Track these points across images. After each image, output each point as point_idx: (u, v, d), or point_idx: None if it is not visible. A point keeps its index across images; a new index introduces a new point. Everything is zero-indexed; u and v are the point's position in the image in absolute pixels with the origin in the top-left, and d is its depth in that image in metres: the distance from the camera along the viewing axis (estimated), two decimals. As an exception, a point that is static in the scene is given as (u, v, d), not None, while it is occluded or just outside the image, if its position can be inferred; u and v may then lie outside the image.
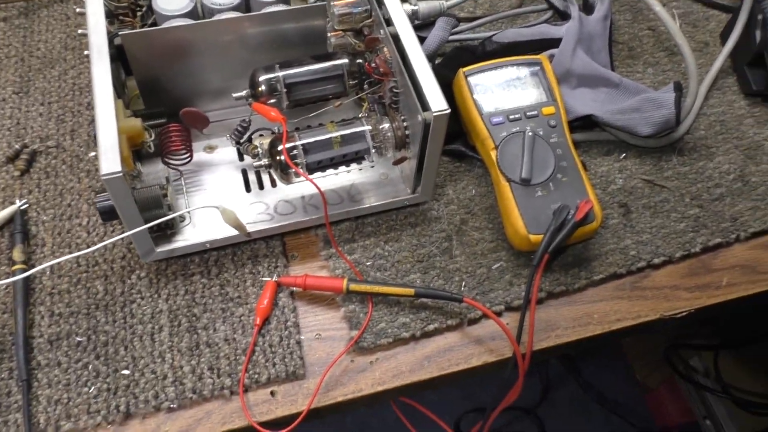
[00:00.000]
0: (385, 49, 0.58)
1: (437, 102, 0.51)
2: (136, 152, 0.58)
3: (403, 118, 0.57)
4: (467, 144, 0.65)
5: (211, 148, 0.64)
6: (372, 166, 0.62)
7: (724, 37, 0.77)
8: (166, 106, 0.61)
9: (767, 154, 0.68)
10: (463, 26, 0.74)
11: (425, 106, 0.52)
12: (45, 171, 0.63)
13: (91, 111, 0.68)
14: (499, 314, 0.57)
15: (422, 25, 0.69)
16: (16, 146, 0.64)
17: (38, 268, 0.53)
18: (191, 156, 0.59)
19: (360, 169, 0.62)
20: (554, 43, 0.67)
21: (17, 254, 0.57)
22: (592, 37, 0.69)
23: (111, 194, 0.48)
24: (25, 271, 0.56)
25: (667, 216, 0.63)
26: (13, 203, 0.61)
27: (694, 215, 0.64)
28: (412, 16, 0.66)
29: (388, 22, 0.57)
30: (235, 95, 0.59)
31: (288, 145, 0.56)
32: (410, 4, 0.66)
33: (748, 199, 0.65)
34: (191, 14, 0.63)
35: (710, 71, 0.73)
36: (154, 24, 0.64)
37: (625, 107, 0.65)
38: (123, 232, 0.59)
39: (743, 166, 0.67)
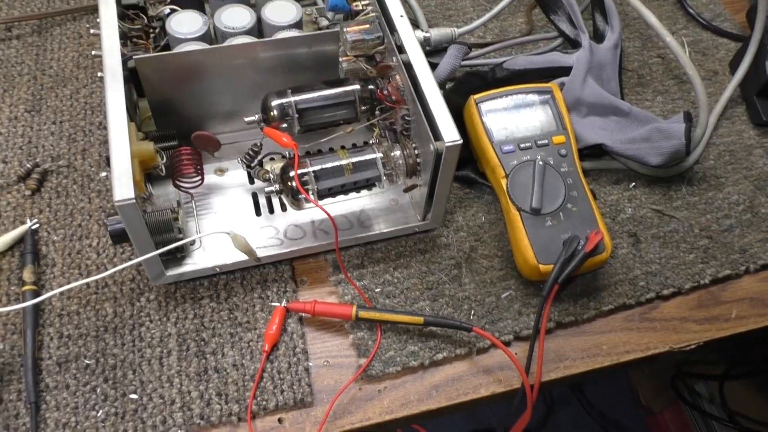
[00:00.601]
0: (398, 76, 0.58)
1: (450, 132, 0.52)
2: (147, 174, 0.58)
3: (414, 145, 0.57)
4: (477, 170, 0.66)
5: (221, 171, 0.64)
6: (382, 192, 0.62)
7: (734, 66, 0.77)
8: (177, 127, 0.62)
9: (776, 185, 0.68)
10: (473, 52, 0.75)
11: (437, 136, 0.52)
12: (56, 190, 0.64)
13: (103, 131, 0.68)
14: (507, 344, 0.57)
15: (433, 51, 0.69)
16: (28, 165, 0.64)
17: (48, 294, 0.53)
18: (202, 179, 0.60)
19: (370, 195, 0.62)
20: (565, 71, 0.67)
21: (27, 275, 0.57)
22: (603, 65, 0.69)
23: (123, 220, 0.48)
24: (35, 292, 0.57)
25: (676, 246, 0.63)
26: (24, 223, 0.61)
27: (703, 246, 0.64)
28: (424, 43, 0.66)
29: (401, 49, 0.57)
30: (246, 119, 0.59)
31: (299, 172, 0.56)
32: (422, 30, 0.66)
33: (758, 230, 0.65)
34: (204, 37, 0.63)
35: (720, 101, 0.73)
36: (167, 46, 0.65)
37: (634, 137, 0.65)
38: (133, 255, 0.59)
39: (753, 197, 0.67)
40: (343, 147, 0.62)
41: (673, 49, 0.67)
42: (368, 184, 0.58)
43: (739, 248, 0.64)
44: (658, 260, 0.62)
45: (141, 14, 0.65)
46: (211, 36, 0.66)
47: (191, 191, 0.61)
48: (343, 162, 0.57)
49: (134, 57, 0.57)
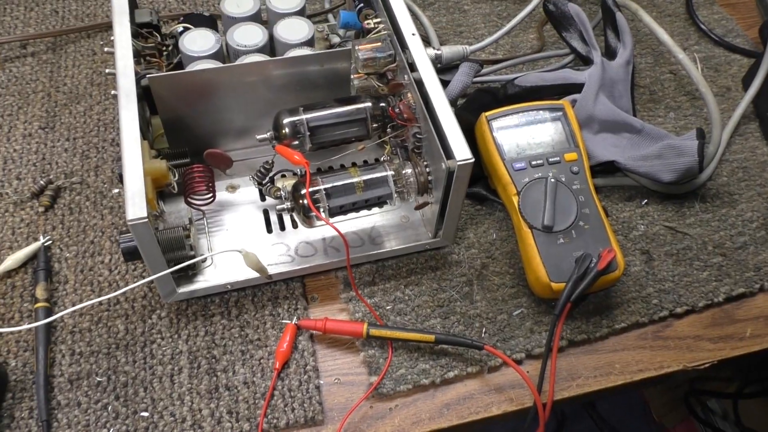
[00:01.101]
0: (409, 94, 0.58)
1: (461, 150, 0.52)
2: (159, 191, 0.58)
3: (425, 163, 0.57)
4: (488, 187, 0.66)
5: (233, 188, 0.64)
6: (393, 210, 0.62)
7: (746, 82, 0.77)
8: (189, 144, 0.62)
9: (791, 202, 0.68)
10: (485, 68, 0.75)
11: (449, 154, 0.52)
12: (69, 207, 0.64)
13: (116, 147, 0.69)
14: (519, 362, 0.57)
15: (445, 68, 0.69)
16: (41, 182, 0.65)
17: (60, 314, 0.53)
18: (214, 197, 0.60)
19: (381, 212, 0.62)
20: (576, 88, 0.67)
21: (40, 292, 0.57)
22: (615, 82, 0.69)
23: (136, 239, 0.49)
24: (48, 309, 0.57)
25: (689, 264, 0.63)
26: (37, 239, 0.61)
27: (717, 264, 0.63)
28: (436, 61, 0.66)
29: (412, 67, 0.58)
30: (258, 137, 0.59)
31: (311, 189, 0.56)
32: (433, 48, 0.66)
33: (772, 248, 0.64)
34: (217, 55, 0.64)
35: (732, 117, 0.73)
36: (180, 63, 0.65)
37: (647, 154, 0.65)
38: (145, 273, 0.60)
39: (767, 214, 0.67)
40: (354, 164, 0.62)
41: (686, 67, 0.67)
42: (380, 202, 0.58)
43: (753, 266, 0.63)
44: (671, 278, 0.62)
45: (154, 32, 0.65)
46: (224, 54, 0.66)
47: (203, 208, 0.61)
48: (355, 180, 0.57)
49: (147, 76, 0.57)
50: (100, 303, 0.58)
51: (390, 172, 0.58)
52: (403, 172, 0.58)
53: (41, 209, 0.64)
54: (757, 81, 0.73)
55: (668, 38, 0.68)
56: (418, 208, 0.59)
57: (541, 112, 0.64)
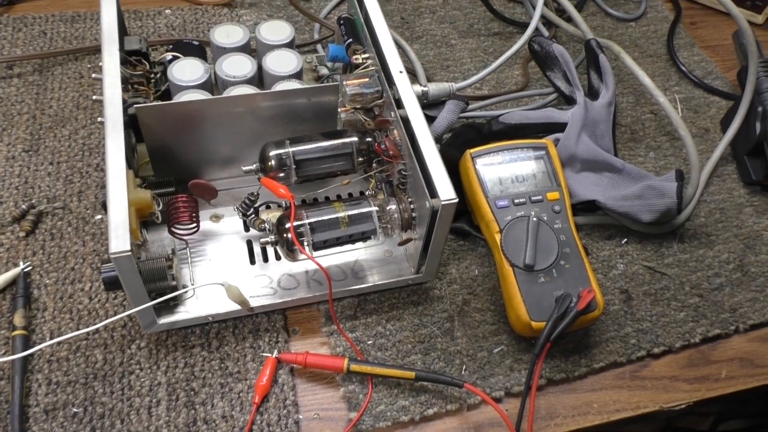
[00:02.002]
0: (395, 131, 0.59)
1: (446, 190, 0.52)
2: (142, 220, 0.58)
3: (410, 200, 0.57)
4: (471, 223, 0.66)
5: (216, 218, 0.64)
6: (377, 244, 0.63)
7: (725, 124, 0.79)
8: (175, 173, 0.62)
9: (766, 244, 0.69)
10: (470, 104, 0.76)
11: (433, 193, 0.53)
12: (50, 232, 0.64)
13: (100, 173, 0.68)
14: (498, 400, 0.57)
15: (431, 104, 0.70)
16: (23, 206, 0.64)
17: (39, 346, 0.53)
18: (198, 227, 0.60)
19: (365, 246, 0.62)
20: (559, 127, 0.69)
21: (18, 319, 0.57)
22: (597, 122, 0.70)
23: (118, 271, 0.48)
24: (26, 337, 0.56)
25: (667, 304, 0.64)
26: (16, 264, 0.61)
27: (693, 304, 0.64)
28: (422, 97, 0.67)
29: (399, 104, 0.58)
30: (244, 168, 0.59)
31: (295, 223, 0.56)
32: (420, 85, 0.67)
33: (747, 289, 0.66)
34: (205, 85, 0.64)
35: (711, 159, 0.75)
36: (167, 91, 0.65)
37: (627, 194, 0.66)
38: (126, 301, 0.59)
39: (743, 256, 0.68)
40: (339, 197, 0.62)
41: (667, 110, 0.68)
42: (363, 237, 0.58)
43: (729, 307, 0.64)
44: (649, 318, 0.63)
45: (143, 60, 0.66)
46: (212, 83, 0.66)
47: (186, 238, 0.61)
48: (340, 215, 0.57)
49: (135, 105, 0.57)
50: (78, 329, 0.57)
51: (374, 208, 0.58)
52: (388, 207, 0.58)
53: (22, 234, 0.63)
54: (734, 124, 0.75)
55: (649, 81, 0.69)
56: (401, 244, 0.60)
57: (524, 150, 0.64)
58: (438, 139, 0.67)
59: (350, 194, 0.67)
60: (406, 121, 0.57)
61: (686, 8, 0.96)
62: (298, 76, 0.66)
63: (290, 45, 0.69)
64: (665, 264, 0.67)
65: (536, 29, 0.74)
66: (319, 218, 0.57)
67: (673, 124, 0.70)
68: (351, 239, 0.58)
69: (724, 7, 0.78)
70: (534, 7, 0.87)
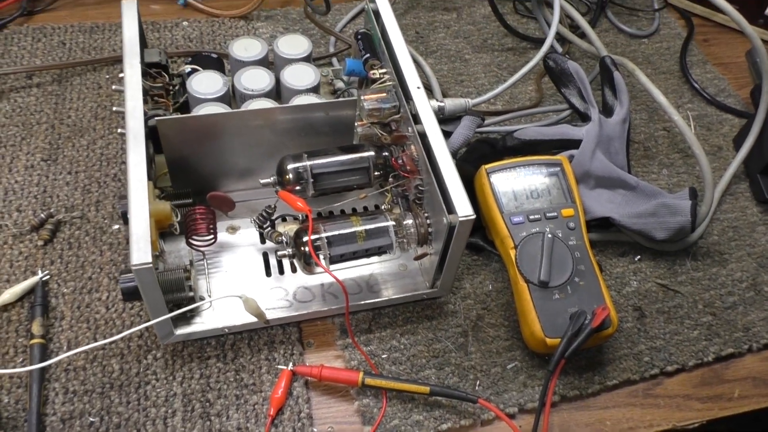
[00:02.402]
0: (413, 146, 0.59)
1: (463, 206, 0.53)
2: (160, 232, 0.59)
3: (426, 215, 0.58)
4: (486, 238, 0.67)
5: (233, 229, 0.65)
6: (392, 258, 0.63)
7: (738, 142, 0.79)
8: (193, 184, 0.63)
9: (779, 264, 0.70)
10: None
11: (451, 209, 0.53)
12: (68, 242, 0.64)
13: (117, 183, 0.69)
14: (512, 416, 0.57)
15: (447, 119, 0.70)
16: (42, 215, 0.65)
17: (57, 358, 0.53)
18: (215, 239, 0.60)
19: (380, 260, 0.63)
20: (574, 143, 0.69)
21: (36, 328, 0.57)
22: (611, 139, 0.71)
23: (138, 282, 0.49)
24: (43, 346, 0.57)
25: (680, 322, 0.64)
26: (35, 273, 0.61)
27: (707, 323, 0.64)
28: (438, 112, 0.68)
29: (416, 119, 0.59)
30: (262, 181, 0.60)
31: (313, 237, 0.57)
32: (436, 100, 0.68)
33: (761, 309, 0.66)
34: (223, 98, 0.65)
35: (724, 177, 0.75)
36: (186, 103, 0.66)
37: (641, 211, 0.66)
38: (143, 311, 0.60)
39: (756, 275, 0.68)
40: (355, 211, 0.63)
41: (681, 128, 0.68)
42: (379, 252, 0.59)
43: (742, 326, 0.64)
44: (662, 335, 0.63)
45: (162, 72, 0.66)
46: (230, 96, 0.67)
47: (203, 250, 0.61)
48: (357, 229, 0.58)
49: (156, 118, 0.58)
50: (95, 340, 0.58)
51: (391, 223, 0.59)
52: (404, 222, 0.59)
53: (40, 243, 0.64)
54: (748, 142, 0.75)
55: (664, 99, 0.70)
56: (417, 258, 0.60)
57: (539, 166, 0.65)
58: (453, 155, 0.68)
59: (365, 208, 0.68)
60: (423, 137, 0.57)
61: (699, 25, 0.96)
62: (315, 90, 0.67)
63: (308, 59, 0.70)
64: (678, 282, 0.67)
65: (551, 46, 0.75)
66: (337, 232, 0.57)
67: (686, 142, 0.70)
68: (367, 253, 0.59)
69: (737, 25, 0.78)
70: (548, 24, 0.88)
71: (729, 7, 0.74)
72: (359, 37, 0.70)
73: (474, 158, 0.68)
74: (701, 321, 0.64)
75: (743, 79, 0.90)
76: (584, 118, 0.72)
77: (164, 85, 0.66)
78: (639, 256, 0.68)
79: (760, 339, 0.64)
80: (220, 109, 0.63)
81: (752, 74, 0.87)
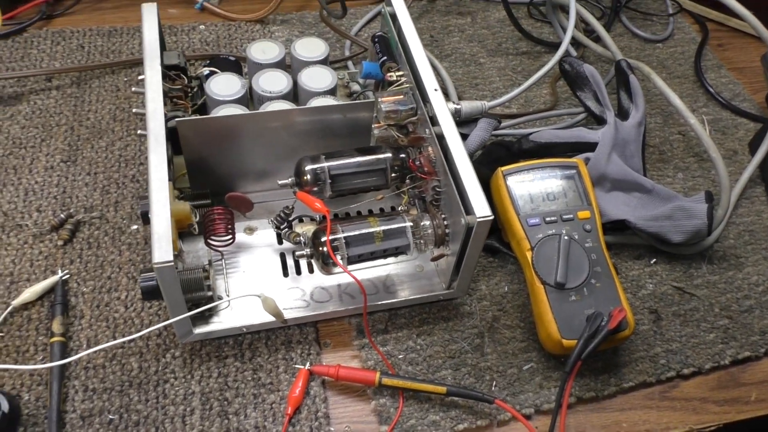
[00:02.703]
0: (430, 148, 0.59)
1: (481, 207, 0.53)
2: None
3: (443, 216, 0.58)
4: (501, 240, 0.67)
5: (251, 230, 0.65)
6: (408, 259, 0.63)
7: (753, 146, 0.79)
8: (211, 185, 0.63)
9: (796, 267, 0.69)
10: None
11: (468, 210, 0.53)
12: (87, 241, 0.65)
13: (136, 184, 0.70)
14: (528, 417, 0.57)
15: (463, 121, 0.71)
16: (62, 215, 0.66)
17: (77, 356, 0.54)
18: (234, 239, 0.61)
19: (396, 261, 0.63)
20: (590, 146, 0.69)
21: (56, 326, 0.58)
22: (627, 142, 0.71)
23: (160, 281, 0.49)
24: (63, 344, 0.57)
25: (697, 325, 0.64)
26: (55, 272, 0.62)
27: (723, 326, 0.64)
28: (455, 115, 0.68)
29: (433, 121, 0.59)
30: (280, 182, 0.60)
31: (331, 237, 0.57)
32: (453, 103, 0.68)
33: (777, 312, 0.66)
34: (241, 100, 0.66)
35: (740, 181, 0.75)
36: (204, 104, 0.67)
37: (657, 214, 0.66)
38: (161, 311, 0.60)
39: (772, 278, 0.68)
40: (371, 212, 0.63)
41: (698, 132, 0.69)
42: (397, 252, 0.59)
43: (759, 330, 0.64)
44: (678, 338, 0.63)
45: (181, 74, 0.67)
46: (248, 98, 0.68)
47: (222, 250, 0.62)
48: (374, 230, 0.58)
49: (176, 119, 0.58)
50: (114, 338, 0.58)
51: (409, 224, 0.59)
52: (422, 223, 0.59)
53: (60, 242, 0.64)
54: (764, 146, 0.75)
55: (680, 103, 0.70)
56: (434, 259, 0.60)
57: (555, 169, 0.65)
58: (470, 157, 0.68)
59: (382, 209, 0.68)
60: (441, 138, 0.58)
61: (713, 30, 0.96)
62: (332, 92, 0.68)
63: (324, 62, 0.71)
64: (694, 285, 0.67)
65: (566, 50, 0.75)
66: (355, 232, 0.58)
67: (702, 146, 0.70)
68: (385, 254, 0.59)
69: (753, 29, 0.79)
70: (563, 28, 0.88)
71: (745, 11, 0.74)
72: (376, 40, 0.70)
73: (490, 161, 0.68)
74: (717, 324, 0.64)
75: (758, 83, 0.89)
76: (600, 121, 0.72)
77: (183, 87, 0.66)
78: (655, 259, 0.68)
79: (777, 342, 0.64)
80: (239, 110, 0.63)
81: (767, 78, 0.87)
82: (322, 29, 0.88)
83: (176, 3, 0.90)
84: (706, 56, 0.92)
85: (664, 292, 0.66)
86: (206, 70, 0.69)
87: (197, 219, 0.59)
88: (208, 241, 0.60)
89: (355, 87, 0.73)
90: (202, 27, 0.88)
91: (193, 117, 0.61)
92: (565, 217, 0.62)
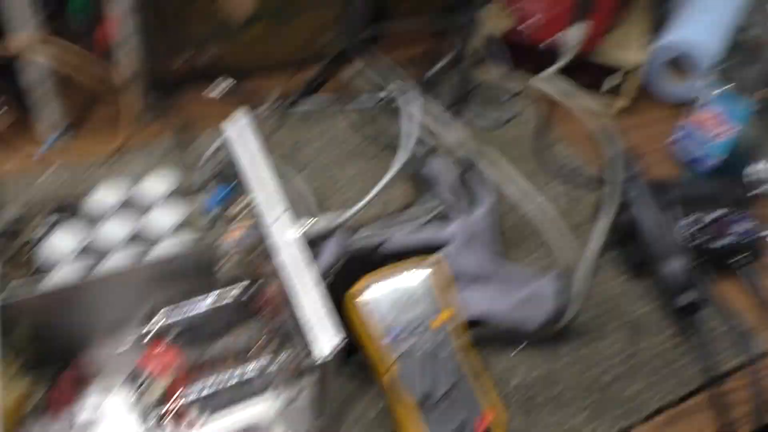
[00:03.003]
0: (276, 281, 0.59)
1: (328, 338, 0.52)
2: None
3: (297, 349, 0.57)
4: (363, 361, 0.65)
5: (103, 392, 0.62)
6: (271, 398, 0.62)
7: (596, 217, 0.83)
8: (58, 349, 0.60)
9: (648, 330, 0.73)
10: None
11: (318, 342, 0.53)
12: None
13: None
14: None
15: (318, 238, 0.71)
16: None
17: None
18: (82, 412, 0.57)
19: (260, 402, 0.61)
20: (442, 245, 0.71)
21: None
22: (482, 230, 0.73)
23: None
24: None
25: (567, 408, 0.65)
26: None
27: (592, 404, 0.66)
28: (305, 236, 0.68)
29: (278, 252, 0.59)
30: (123, 346, 0.58)
31: (186, 392, 0.55)
32: (302, 223, 0.68)
33: (642, 376, 0.68)
34: (85, 252, 0.63)
35: (587, 253, 0.78)
36: (42, 268, 0.64)
37: (513, 302, 0.68)
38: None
39: (630, 343, 0.71)
40: (228, 352, 0.62)
41: (541, 213, 0.72)
42: (257, 393, 0.58)
43: (626, 398, 0.66)
44: (552, 426, 0.64)
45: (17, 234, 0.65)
46: (93, 248, 0.65)
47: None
48: (230, 375, 0.57)
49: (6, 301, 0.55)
50: None
51: (264, 362, 0.58)
52: (278, 359, 0.58)
53: None
54: (603, 218, 0.80)
55: (522, 186, 0.73)
56: (291, 395, 0.59)
57: (409, 275, 0.65)
58: (325, 275, 0.68)
59: (239, 350, 0.66)
60: (285, 270, 0.57)
61: (551, 109, 1.01)
62: (182, 227, 0.66)
63: (174, 196, 0.70)
64: (564, 364, 0.69)
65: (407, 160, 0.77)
66: (210, 385, 0.57)
67: (548, 226, 0.73)
68: (244, 397, 0.57)
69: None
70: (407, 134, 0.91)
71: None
72: (219, 172, 0.70)
73: (345, 278, 0.68)
74: (585, 403, 0.66)
75: (595, 152, 0.94)
76: (452, 216, 0.74)
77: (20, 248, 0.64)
78: (523, 344, 0.70)
79: (647, 408, 0.66)
80: (76, 274, 0.61)
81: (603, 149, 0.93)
82: (174, 159, 0.87)
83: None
84: (545, 135, 0.97)
85: (535, 378, 0.67)
86: (45, 226, 0.66)
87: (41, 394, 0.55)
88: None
89: (204, 221, 0.71)
90: (42, 178, 0.83)
91: (25, 297, 0.58)
92: (423, 325, 0.62)
